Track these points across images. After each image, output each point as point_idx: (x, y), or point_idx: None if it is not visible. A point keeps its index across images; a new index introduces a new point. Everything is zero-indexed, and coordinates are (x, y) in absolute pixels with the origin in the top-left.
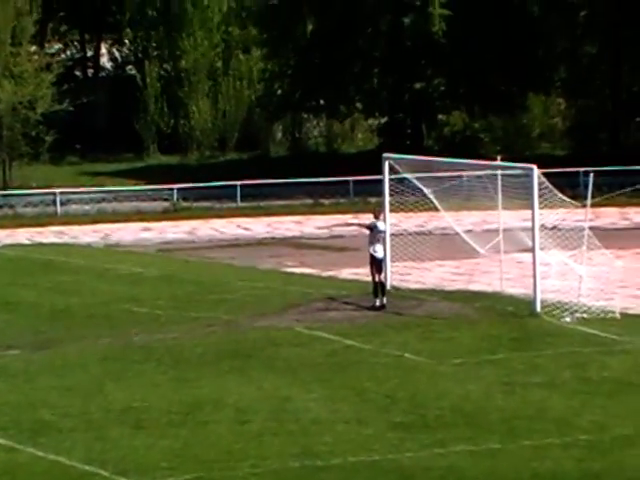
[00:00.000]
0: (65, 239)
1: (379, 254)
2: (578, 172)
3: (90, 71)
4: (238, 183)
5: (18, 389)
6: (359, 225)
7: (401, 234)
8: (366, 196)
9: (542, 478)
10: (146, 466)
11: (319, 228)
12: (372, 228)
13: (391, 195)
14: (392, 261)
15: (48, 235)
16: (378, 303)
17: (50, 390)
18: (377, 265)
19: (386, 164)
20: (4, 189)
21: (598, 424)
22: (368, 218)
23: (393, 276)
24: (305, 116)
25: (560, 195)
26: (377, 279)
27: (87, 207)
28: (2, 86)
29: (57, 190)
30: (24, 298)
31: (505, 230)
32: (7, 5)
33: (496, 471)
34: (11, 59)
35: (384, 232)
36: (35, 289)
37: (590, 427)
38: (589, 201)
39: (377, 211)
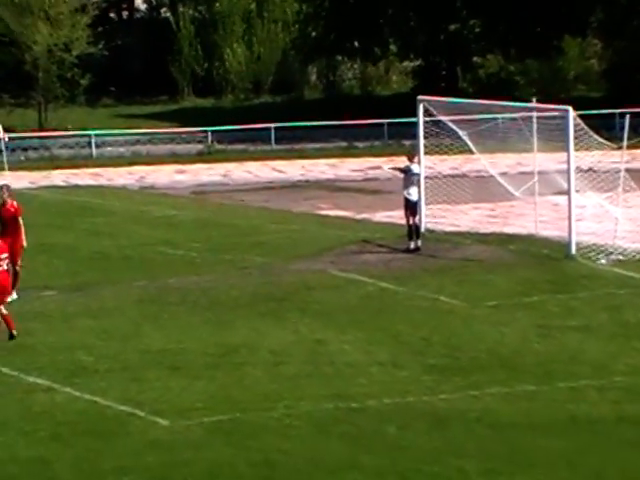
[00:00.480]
0: (100, 181)
1: (413, 197)
2: (614, 114)
3: (125, 13)
4: (272, 126)
5: (55, 330)
6: (393, 169)
7: (436, 177)
8: (400, 139)
9: (578, 421)
10: (181, 407)
11: (354, 171)
12: (406, 171)
13: (425, 138)
14: (426, 204)
15: (84, 177)
16: (413, 246)
17: (86, 332)
18: (411, 208)
19: (421, 106)
20: (40, 131)
21: (634, 367)
22: (402, 161)
23: (427, 219)
24: (339, 59)
25: (596, 137)
26: (411, 222)
27: (122, 149)
28: (38, 28)
29: (92, 132)
30: (60, 240)
31: (540, 172)
32: None
33: (531, 413)
34: (46, 1)
35: (418, 175)
36: (71, 231)
37: (626, 370)
38: (625, 143)
39: (411, 154)
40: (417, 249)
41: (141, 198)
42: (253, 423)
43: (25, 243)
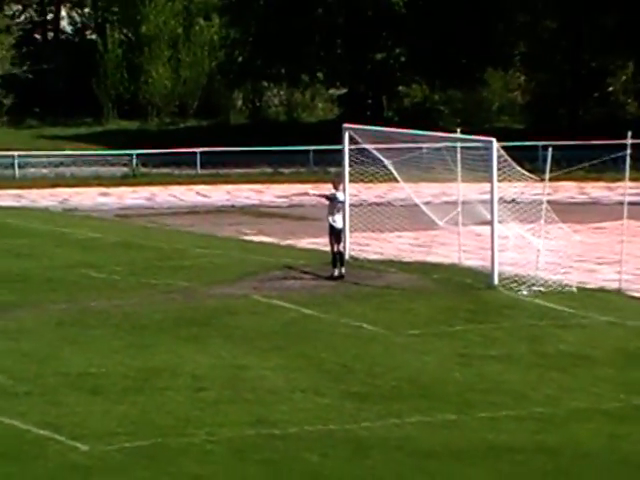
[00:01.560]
0: (23, 202)
1: (338, 224)
2: (537, 146)
3: (50, 35)
4: (198, 150)
5: None
6: (319, 195)
7: (360, 204)
8: (326, 166)
9: (497, 450)
10: (102, 432)
11: (278, 197)
12: (332, 199)
13: (351, 165)
14: (351, 231)
15: (6, 198)
16: (337, 273)
17: (5, 354)
18: (336, 235)
19: (346, 134)
20: None
21: (553, 397)
22: (328, 188)
23: (352, 246)
24: (265, 84)
25: (519, 168)
26: (336, 249)
27: (45, 171)
28: None
29: (15, 153)
30: None
31: (464, 202)
32: None
33: (451, 442)
34: None
35: (343, 202)
36: None
37: (545, 400)
38: (547, 175)
39: (336, 181)
40: (341, 276)
41: (64, 220)
42: (174, 448)
43: None
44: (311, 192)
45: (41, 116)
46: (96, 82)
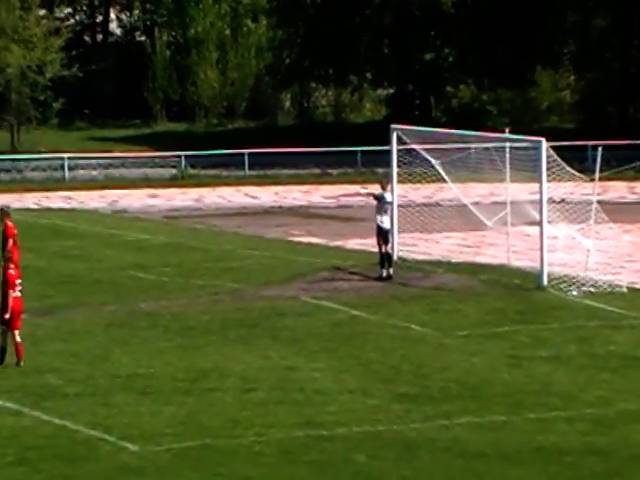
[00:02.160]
0: (72, 204)
1: (386, 225)
2: (586, 146)
3: (99, 37)
4: (246, 151)
5: (24, 353)
6: (367, 194)
7: (408, 205)
8: (373, 167)
9: (546, 451)
10: (151, 432)
11: (326, 198)
12: (379, 199)
13: (399, 166)
14: (399, 232)
15: (56, 200)
16: (384, 274)
17: (56, 355)
18: (384, 236)
19: (394, 135)
20: (12, 153)
21: (603, 399)
22: (376, 189)
23: (400, 247)
24: (313, 85)
25: (568, 168)
26: (383, 250)
27: (95, 173)
28: (11, 50)
29: (65, 155)
30: (31, 263)
31: (512, 203)
32: None
33: (500, 444)
34: (20, 23)
35: (391, 203)
36: (42, 254)
37: (595, 402)
38: (597, 175)
39: (384, 182)
40: (389, 277)
41: (113, 222)
42: (222, 449)
43: None
44: (362, 191)
45: (90, 118)
46: (145, 84)
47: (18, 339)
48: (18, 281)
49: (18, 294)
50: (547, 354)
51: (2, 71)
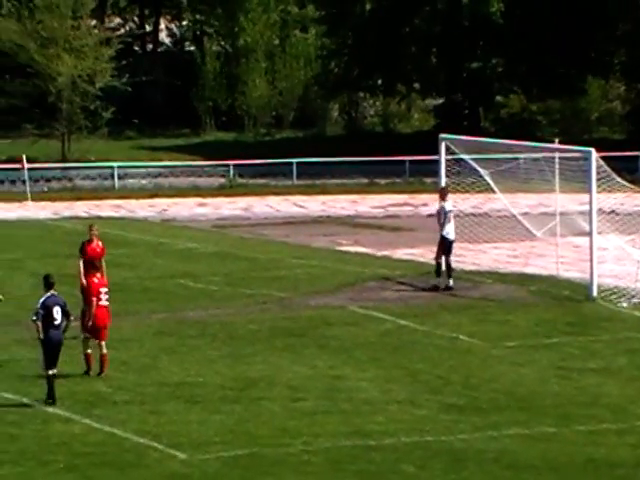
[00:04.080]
0: (122, 213)
1: (451, 235)
2: (637, 156)
3: (149, 46)
4: (294, 161)
5: (74, 361)
6: (436, 215)
7: (457, 215)
8: (422, 176)
9: (596, 464)
10: (199, 441)
11: (374, 207)
12: (441, 211)
13: (447, 176)
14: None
15: (105, 208)
16: (448, 283)
17: None
18: (447, 246)
19: (442, 144)
20: (63, 162)
21: None
22: (422, 199)
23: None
24: (361, 95)
25: (618, 179)
26: (446, 260)
27: (144, 182)
28: (62, 59)
29: (115, 164)
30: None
31: (562, 213)
32: None
33: (549, 455)
34: (71, 33)
35: (451, 211)
36: None
37: None
38: None
39: (444, 192)
40: (449, 288)
41: (162, 230)
42: (270, 458)
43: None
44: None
45: (140, 127)
46: (194, 93)
47: (104, 350)
48: (103, 289)
49: (104, 303)
50: (597, 366)
51: (54, 80)
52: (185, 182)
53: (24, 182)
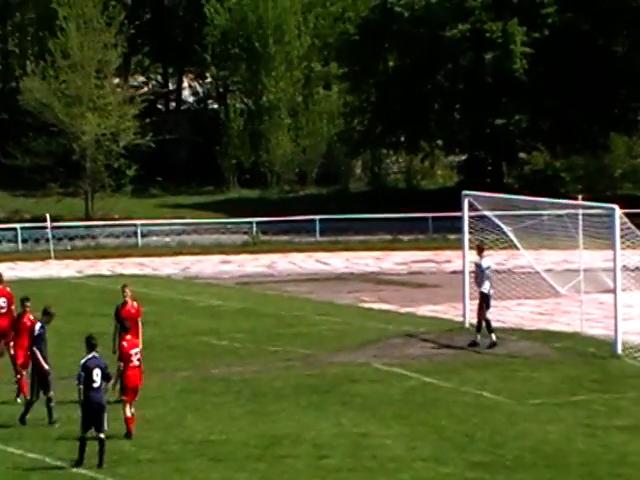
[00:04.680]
0: (146, 271)
1: (489, 291)
2: None
3: (172, 104)
4: (317, 217)
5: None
6: (474, 275)
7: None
8: (445, 233)
9: None
10: None
11: (398, 264)
12: (479, 267)
13: (470, 232)
14: (471, 299)
15: (129, 266)
16: (494, 338)
17: None
18: (487, 302)
19: (466, 201)
20: (87, 220)
21: None
22: (447, 255)
23: (472, 314)
24: (385, 152)
25: None
26: (486, 316)
27: (167, 239)
28: (86, 118)
29: (138, 222)
30: (106, 329)
31: (586, 270)
32: (93, 38)
33: None
34: (95, 91)
35: (488, 268)
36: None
37: None
38: None
39: (481, 247)
40: (494, 344)
41: (186, 288)
42: None
43: (141, 345)
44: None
45: (164, 185)
46: (218, 151)
47: (130, 413)
48: (133, 351)
49: (135, 364)
50: (623, 423)
51: (78, 139)
52: (209, 239)
53: (48, 240)
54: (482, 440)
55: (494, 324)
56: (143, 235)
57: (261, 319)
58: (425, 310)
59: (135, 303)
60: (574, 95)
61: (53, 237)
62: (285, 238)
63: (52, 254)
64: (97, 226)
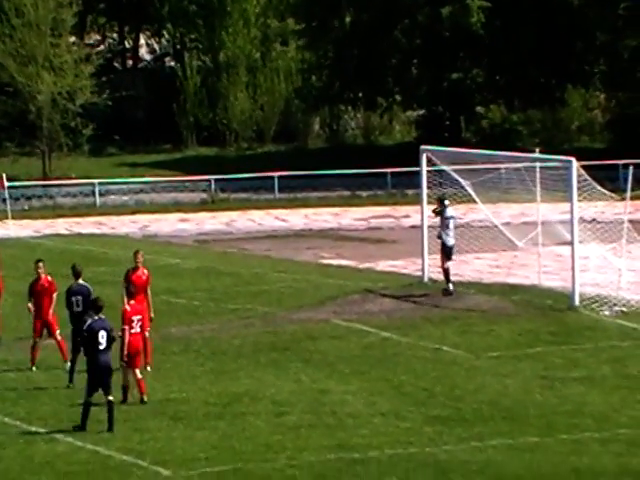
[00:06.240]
0: (104, 230)
1: (448, 241)
2: (617, 165)
3: (129, 63)
4: (275, 175)
5: (57, 378)
6: (434, 212)
7: (438, 226)
8: (403, 188)
9: (580, 473)
10: (184, 457)
11: (357, 220)
12: (439, 212)
13: (429, 187)
14: (429, 253)
15: (87, 226)
16: (451, 287)
17: None
18: (447, 252)
19: (424, 156)
20: (44, 179)
21: (637, 419)
22: (406, 210)
23: (431, 269)
24: (343, 108)
25: (599, 188)
26: (446, 265)
27: (125, 198)
28: (42, 77)
29: (96, 181)
30: (63, 289)
31: (543, 223)
32: None
33: (534, 465)
34: (51, 50)
35: (453, 218)
36: None
37: (629, 422)
38: (629, 194)
39: (443, 198)
40: (450, 293)
41: (144, 247)
42: (255, 474)
43: (152, 314)
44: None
45: (121, 144)
46: (175, 109)
47: (139, 375)
48: (136, 317)
49: (137, 330)
50: (580, 375)
51: (33, 98)
52: (167, 198)
53: (4, 201)
54: (441, 394)
55: (452, 278)
56: (101, 194)
57: (220, 277)
58: (384, 265)
59: (146, 270)
60: (531, 49)
61: (10, 197)
62: (243, 196)
63: (9, 214)
64: (54, 185)
